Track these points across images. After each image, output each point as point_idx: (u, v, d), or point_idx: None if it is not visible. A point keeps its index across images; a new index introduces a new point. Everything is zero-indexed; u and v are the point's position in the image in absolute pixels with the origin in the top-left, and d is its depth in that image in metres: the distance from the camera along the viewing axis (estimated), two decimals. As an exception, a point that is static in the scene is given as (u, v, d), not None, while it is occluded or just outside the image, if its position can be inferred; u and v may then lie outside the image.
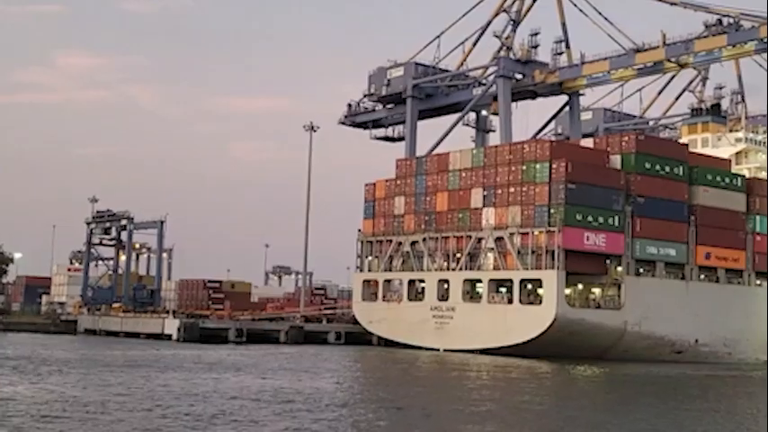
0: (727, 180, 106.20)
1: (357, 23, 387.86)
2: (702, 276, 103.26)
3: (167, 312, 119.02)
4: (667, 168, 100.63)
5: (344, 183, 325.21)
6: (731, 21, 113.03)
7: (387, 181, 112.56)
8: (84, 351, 79.74)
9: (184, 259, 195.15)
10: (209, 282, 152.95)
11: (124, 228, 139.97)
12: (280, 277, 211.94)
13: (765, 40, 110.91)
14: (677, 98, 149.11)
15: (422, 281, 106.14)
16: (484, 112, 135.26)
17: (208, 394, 46.74)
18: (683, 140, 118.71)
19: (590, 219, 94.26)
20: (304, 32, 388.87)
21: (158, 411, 39.56)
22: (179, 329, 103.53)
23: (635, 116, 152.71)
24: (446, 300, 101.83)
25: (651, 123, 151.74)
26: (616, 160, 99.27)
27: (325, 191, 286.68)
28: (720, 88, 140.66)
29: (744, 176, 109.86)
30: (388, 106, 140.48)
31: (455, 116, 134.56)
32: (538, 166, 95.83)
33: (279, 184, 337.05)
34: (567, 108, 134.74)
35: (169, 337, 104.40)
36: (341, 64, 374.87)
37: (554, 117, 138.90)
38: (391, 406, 45.78)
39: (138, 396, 45.15)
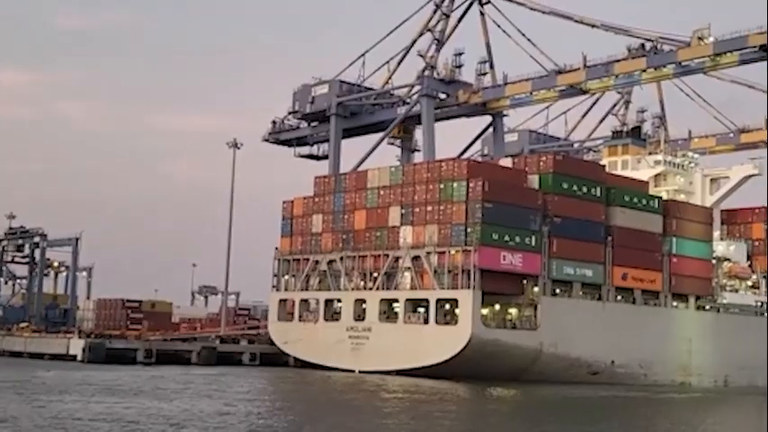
0: (644, 202, 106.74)
1: (284, 41, 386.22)
2: (619, 297, 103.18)
3: (75, 332, 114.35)
4: (584, 189, 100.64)
5: (271, 201, 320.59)
6: (652, 44, 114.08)
7: (305, 198, 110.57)
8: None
9: (110, 279, 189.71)
10: (128, 301, 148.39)
11: (38, 245, 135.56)
12: (206, 297, 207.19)
13: (683, 64, 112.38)
14: (601, 121, 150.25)
15: (339, 300, 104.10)
16: (389, 139, 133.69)
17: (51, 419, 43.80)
18: (604, 162, 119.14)
19: (507, 238, 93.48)
20: (234, 50, 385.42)
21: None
22: (84, 350, 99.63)
23: (560, 138, 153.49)
24: (362, 320, 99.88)
25: (576, 146, 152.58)
26: (534, 180, 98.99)
27: (252, 209, 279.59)
28: (642, 112, 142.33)
29: (661, 198, 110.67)
30: (313, 124, 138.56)
31: (380, 135, 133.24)
32: (455, 184, 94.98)
33: (207, 203, 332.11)
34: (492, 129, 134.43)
35: (74, 357, 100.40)
36: (269, 81, 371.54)
37: (478, 137, 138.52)
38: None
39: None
